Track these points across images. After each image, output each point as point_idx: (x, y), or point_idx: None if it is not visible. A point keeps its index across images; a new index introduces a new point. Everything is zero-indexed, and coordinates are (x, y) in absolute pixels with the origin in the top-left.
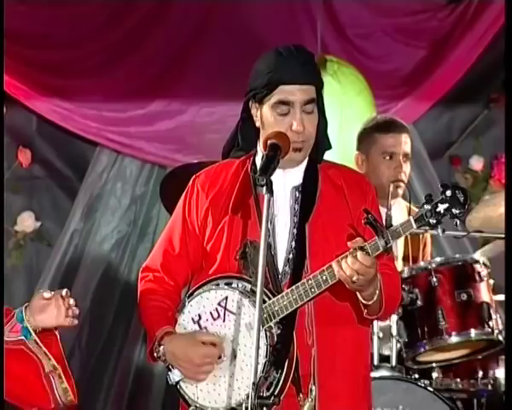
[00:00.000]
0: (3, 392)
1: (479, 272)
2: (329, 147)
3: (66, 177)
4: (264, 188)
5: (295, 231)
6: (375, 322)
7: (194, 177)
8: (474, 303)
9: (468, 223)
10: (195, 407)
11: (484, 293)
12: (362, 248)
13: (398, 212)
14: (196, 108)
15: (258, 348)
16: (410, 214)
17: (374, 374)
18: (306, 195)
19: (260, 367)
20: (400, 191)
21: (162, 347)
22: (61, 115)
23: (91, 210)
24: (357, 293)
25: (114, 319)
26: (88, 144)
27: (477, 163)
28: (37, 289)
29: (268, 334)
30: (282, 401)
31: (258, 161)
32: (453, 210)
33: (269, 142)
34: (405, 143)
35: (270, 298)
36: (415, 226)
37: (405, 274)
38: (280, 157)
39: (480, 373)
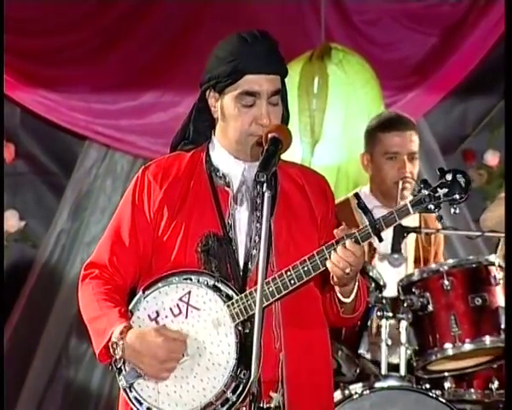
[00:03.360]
0: (3, 392)
1: (494, 275)
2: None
3: (52, 173)
4: (265, 185)
5: (258, 225)
6: (383, 329)
7: (143, 168)
8: (488, 308)
9: (482, 222)
10: None
11: (499, 297)
12: (351, 236)
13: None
14: (191, 99)
15: (257, 356)
16: (420, 218)
17: (382, 384)
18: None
19: (230, 366)
20: (406, 193)
21: (122, 342)
22: (47, 107)
23: (79, 209)
24: (337, 290)
25: None
26: (76, 138)
27: (492, 158)
28: (22, 294)
29: (237, 331)
30: None
31: (214, 154)
32: (454, 195)
33: (269, 135)
34: (411, 141)
35: (237, 294)
36: (412, 211)
37: (416, 277)
38: (281, 152)
39: (496, 383)
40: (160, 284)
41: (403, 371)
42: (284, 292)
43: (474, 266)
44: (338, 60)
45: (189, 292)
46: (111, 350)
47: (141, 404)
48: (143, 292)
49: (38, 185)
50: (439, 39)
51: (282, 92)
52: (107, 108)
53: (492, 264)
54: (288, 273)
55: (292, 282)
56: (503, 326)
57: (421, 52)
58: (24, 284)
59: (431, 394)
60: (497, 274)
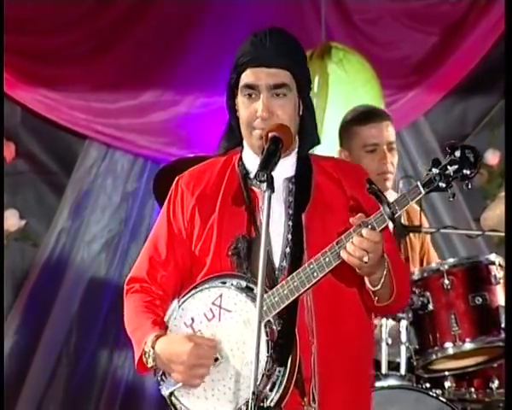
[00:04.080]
0: (3, 392)
1: (494, 275)
2: (317, 142)
3: (52, 172)
4: (265, 184)
5: (291, 223)
6: (383, 328)
7: (177, 178)
8: (489, 307)
9: (482, 221)
10: None
11: (500, 296)
12: (367, 223)
13: None
14: (191, 98)
15: (258, 355)
16: (420, 217)
17: (382, 383)
18: (301, 186)
19: (262, 363)
20: (388, 184)
21: (152, 351)
22: (47, 106)
23: (80, 208)
24: (366, 279)
25: (104, 325)
26: (76, 137)
27: (492, 157)
28: (22, 294)
29: (268, 330)
30: (286, 408)
31: (244, 154)
32: (464, 171)
33: (270, 135)
34: (388, 131)
35: (267, 292)
36: (423, 192)
37: (416, 276)
38: (282, 151)
39: (496, 383)
40: (193, 291)
41: (403, 370)
42: (308, 285)
43: (474, 265)
44: (338, 59)
45: (221, 295)
46: (144, 359)
47: None
48: (178, 301)
49: (39, 184)
50: (439, 38)
51: (299, 88)
52: (107, 107)
53: (493, 263)
54: (311, 266)
55: (315, 274)
56: (503, 325)
57: (422, 51)
58: (24, 283)
59: (431, 393)
60: (498, 273)
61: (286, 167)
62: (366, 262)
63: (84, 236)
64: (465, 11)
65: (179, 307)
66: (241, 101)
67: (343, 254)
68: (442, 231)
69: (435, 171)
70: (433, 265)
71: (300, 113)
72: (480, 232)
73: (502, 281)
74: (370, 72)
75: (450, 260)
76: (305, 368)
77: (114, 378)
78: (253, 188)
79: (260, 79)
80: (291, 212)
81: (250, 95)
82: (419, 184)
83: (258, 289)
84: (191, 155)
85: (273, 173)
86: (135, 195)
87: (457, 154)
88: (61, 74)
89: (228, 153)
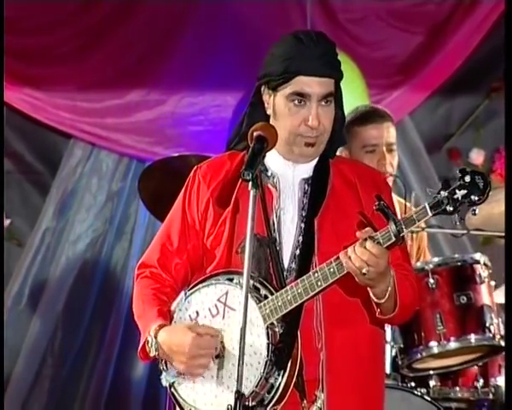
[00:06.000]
0: (3, 392)
1: (479, 274)
2: (344, 142)
3: (37, 171)
4: (250, 183)
5: (303, 225)
6: None
7: (195, 168)
8: (474, 307)
9: (467, 220)
10: None
11: (485, 296)
12: (372, 238)
13: None
14: (177, 97)
15: (243, 353)
16: (405, 211)
17: None
18: (316, 188)
19: (261, 367)
20: None
21: (154, 340)
22: (32, 105)
23: (65, 207)
24: (369, 290)
25: (89, 324)
26: (61, 137)
27: (477, 157)
28: (7, 293)
29: (270, 332)
30: (284, 408)
31: (269, 154)
32: (472, 197)
33: (255, 134)
34: (388, 132)
35: (272, 294)
36: (430, 214)
37: None
38: (267, 150)
39: (481, 381)
40: (200, 285)
41: (388, 369)
42: (312, 293)
43: (459, 264)
44: None
45: (227, 293)
46: (147, 348)
47: (179, 404)
48: (185, 293)
49: (23, 184)
50: (424, 38)
51: (336, 95)
52: (92, 107)
53: (478, 262)
54: (316, 275)
55: (319, 283)
56: (487, 324)
57: (407, 51)
58: (9, 283)
59: (416, 392)
60: (483, 272)
61: (304, 169)
62: (364, 274)
63: (69, 235)
64: (450, 11)
65: (185, 299)
66: (283, 105)
67: (343, 258)
68: (427, 230)
69: (444, 194)
70: (418, 264)
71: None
72: (464, 231)
73: (486, 280)
74: (356, 71)
75: (435, 260)
76: (309, 372)
77: (99, 377)
78: (269, 186)
79: (313, 89)
80: (304, 214)
81: (299, 101)
82: (427, 205)
83: (243, 294)
84: (176, 155)
85: (290, 173)
86: (120, 194)
87: (467, 179)
88: (46, 74)
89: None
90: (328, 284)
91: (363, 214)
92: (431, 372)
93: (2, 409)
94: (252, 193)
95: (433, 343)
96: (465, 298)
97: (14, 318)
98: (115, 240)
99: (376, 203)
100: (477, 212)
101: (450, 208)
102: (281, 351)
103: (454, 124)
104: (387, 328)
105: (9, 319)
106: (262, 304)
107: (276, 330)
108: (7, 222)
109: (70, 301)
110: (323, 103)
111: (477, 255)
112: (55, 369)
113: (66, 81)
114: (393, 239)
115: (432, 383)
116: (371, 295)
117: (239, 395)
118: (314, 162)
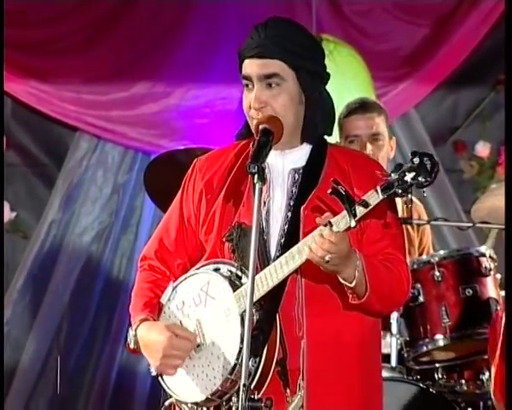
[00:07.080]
0: (3, 392)
1: (485, 266)
2: (326, 133)
3: (43, 164)
4: (256, 176)
5: (290, 214)
6: None
7: (195, 160)
8: (479, 299)
9: (473, 213)
10: (176, 400)
11: (490, 288)
12: (330, 224)
13: None
14: (183, 90)
15: (249, 345)
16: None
17: None
18: (306, 178)
19: (234, 353)
20: None
21: (134, 334)
22: (38, 98)
23: (70, 200)
24: (338, 276)
25: (95, 317)
26: (66, 129)
27: (483, 149)
28: (13, 285)
29: (243, 320)
30: (270, 397)
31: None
32: (419, 178)
33: (260, 127)
34: (372, 122)
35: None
36: (381, 196)
37: None
38: (273, 143)
39: (487, 374)
40: (187, 275)
41: (394, 362)
42: (276, 281)
43: (464, 257)
44: (329, 51)
45: (208, 282)
46: (128, 340)
47: (166, 391)
48: (173, 283)
49: (29, 176)
50: (430, 30)
51: (299, 77)
52: (98, 99)
53: (483, 255)
54: (280, 261)
55: (283, 268)
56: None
57: (413, 43)
58: (15, 275)
59: (422, 385)
60: (488, 265)
61: (295, 158)
62: (328, 261)
63: (75, 228)
64: (456, 3)
65: (173, 289)
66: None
67: (308, 253)
68: (433, 223)
69: (394, 176)
70: (424, 257)
71: (303, 103)
72: (470, 224)
73: (492, 273)
74: (361, 64)
75: (441, 252)
76: (292, 361)
77: (105, 370)
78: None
79: (252, 70)
80: (292, 203)
81: (247, 85)
82: (378, 188)
83: (249, 283)
84: (181, 148)
85: (280, 162)
86: (125, 187)
87: (416, 160)
88: (51, 66)
89: (246, 138)
90: (291, 269)
91: (336, 181)
92: (437, 365)
93: (2, 408)
94: (257, 186)
95: (438, 336)
96: (471, 291)
97: (20, 310)
98: (121, 232)
99: (331, 186)
100: (425, 195)
101: (398, 191)
102: (255, 338)
103: (460, 116)
104: (393, 320)
105: (15, 312)
106: (238, 292)
107: (254, 318)
108: (12, 215)
109: (76, 294)
110: (268, 85)
111: (483, 248)
112: (61, 362)
113: (72, 74)
114: (349, 223)
115: (437, 375)
116: (341, 280)
117: (244, 388)
118: (305, 150)
